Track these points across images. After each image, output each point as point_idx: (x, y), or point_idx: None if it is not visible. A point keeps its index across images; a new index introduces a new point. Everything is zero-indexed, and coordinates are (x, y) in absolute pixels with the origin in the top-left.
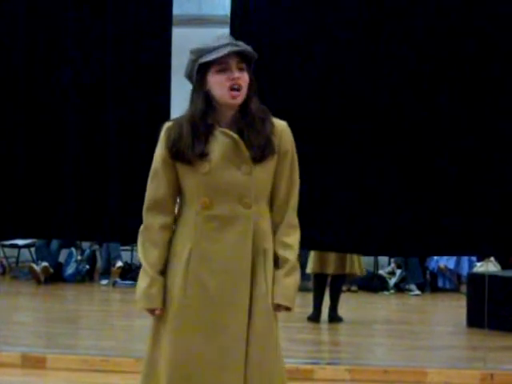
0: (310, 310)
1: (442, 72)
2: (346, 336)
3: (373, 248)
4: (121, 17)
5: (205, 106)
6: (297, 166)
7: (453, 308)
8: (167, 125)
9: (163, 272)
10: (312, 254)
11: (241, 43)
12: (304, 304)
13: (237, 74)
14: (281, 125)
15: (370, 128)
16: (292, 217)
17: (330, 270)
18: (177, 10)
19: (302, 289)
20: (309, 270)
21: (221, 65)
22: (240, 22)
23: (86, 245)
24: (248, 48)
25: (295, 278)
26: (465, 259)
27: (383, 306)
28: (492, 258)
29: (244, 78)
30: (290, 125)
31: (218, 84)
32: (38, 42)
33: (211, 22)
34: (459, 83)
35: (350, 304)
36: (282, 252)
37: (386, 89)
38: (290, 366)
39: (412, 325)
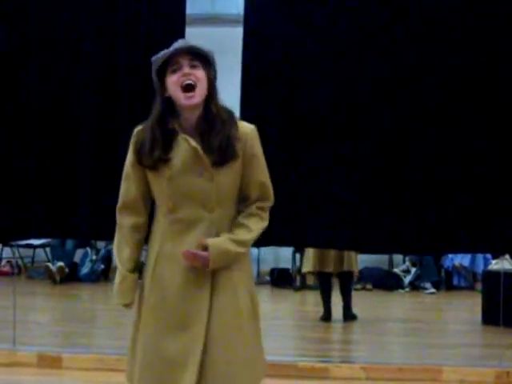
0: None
1: (441, 75)
2: (361, 334)
3: (375, 246)
4: (134, 16)
5: (163, 111)
6: (265, 166)
7: (468, 306)
8: (136, 129)
9: (135, 270)
10: (311, 253)
11: (194, 44)
12: (318, 303)
13: (187, 70)
14: (246, 128)
15: (372, 128)
16: (261, 211)
17: (330, 268)
18: (190, 9)
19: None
20: (310, 268)
21: (173, 66)
22: (253, 20)
23: (101, 244)
24: (199, 46)
25: (235, 250)
26: (480, 257)
27: (398, 304)
28: (507, 256)
29: (197, 75)
30: (295, 122)
31: (172, 84)
32: (49, 41)
33: (224, 21)
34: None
35: (365, 302)
36: (236, 230)
37: (386, 89)
38: (306, 365)
39: (427, 323)
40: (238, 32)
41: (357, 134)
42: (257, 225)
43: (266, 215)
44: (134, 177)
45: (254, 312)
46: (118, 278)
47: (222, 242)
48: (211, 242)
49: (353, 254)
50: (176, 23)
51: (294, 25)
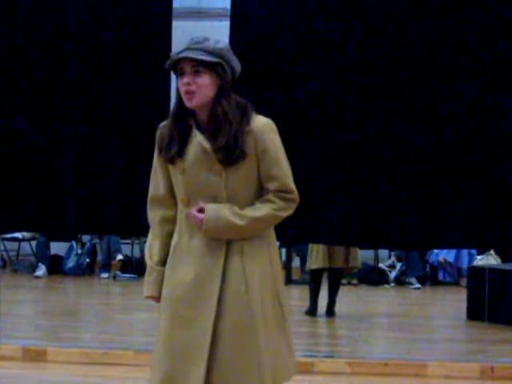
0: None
1: (442, 67)
2: (346, 329)
3: (361, 241)
4: (121, 10)
5: (179, 108)
6: (281, 159)
7: (453, 301)
8: (160, 125)
9: (164, 263)
10: (320, 250)
11: (203, 45)
12: (302, 297)
13: (186, 80)
14: (260, 122)
15: (365, 124)
16: (277, 199)
17: (339, 264)
18: (176, 3)
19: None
20: (319, 264)
21: (180, 70)
22: (239, 14)
23: (86, 238)
24: (206, 49)
25: (232, 218)
26: (465, 252)
27: (383, 299)
28: (492, 251)
29: (198, 83)
30: (284, 116)
31: (180, 89)
32: (36, 34)
33: (211, 15)
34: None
35: (351, 297)
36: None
37: (378, 81)
38: None
39: (412, 318)
40: (225, 26)
41: (349, 130)
42: (266, 208)
43: (285, 204)
44: (160, 170)
45: (279, 311)
46: (146, 271)
47: (219, 207)
48: (209, 205)
49: (357, 249)
50: (163, 17)
51: (280, 18)
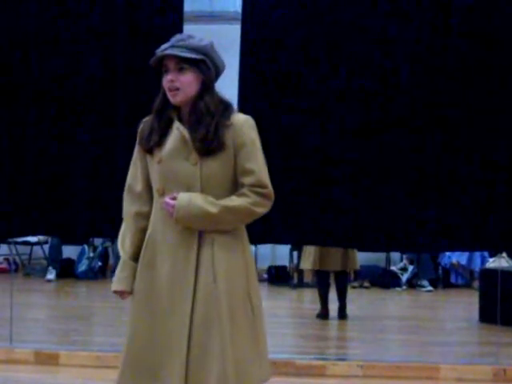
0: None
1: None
2: (358, 332)
3: (373, 244)
4: (132, 14)
5: (163, 102)
6: (257, 154)
7: (465, 304)
8: (143, 119)
9: (137, 258)
10: (312, 251)
11: (187, 43)
12: (315, 301)
13: (169, 77)
14: (239, 119)
15: (372, 124)
16: (252, 193)
17: (331, 266)
18: (188, 7)
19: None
20: (309, 265)
21: (164, 67)
22: (251, 18)
23: (98, 241)
24: (189, 47)
25: (204, 206)
26: (477, 255)
27: (396, 302)
28: (504, 254)
29: (181, 79)
30: (294, 118)
31: (164, 85)
32: (48, 38)
33: (222, 19)
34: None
35: (363, 300)
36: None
37: (388, 83)
38: (303, 362)
39: (424, 321)
40: (236, 29)
41: (355, 130)
42: (241, 200)
43: (259, 200)
44: (139, 163)
45: (249, 310)
46: (119, 265)
47: (192, 195)
48: (182, 193)
49: (356, 252)
50: (174, 21)
51: (291, 22)
